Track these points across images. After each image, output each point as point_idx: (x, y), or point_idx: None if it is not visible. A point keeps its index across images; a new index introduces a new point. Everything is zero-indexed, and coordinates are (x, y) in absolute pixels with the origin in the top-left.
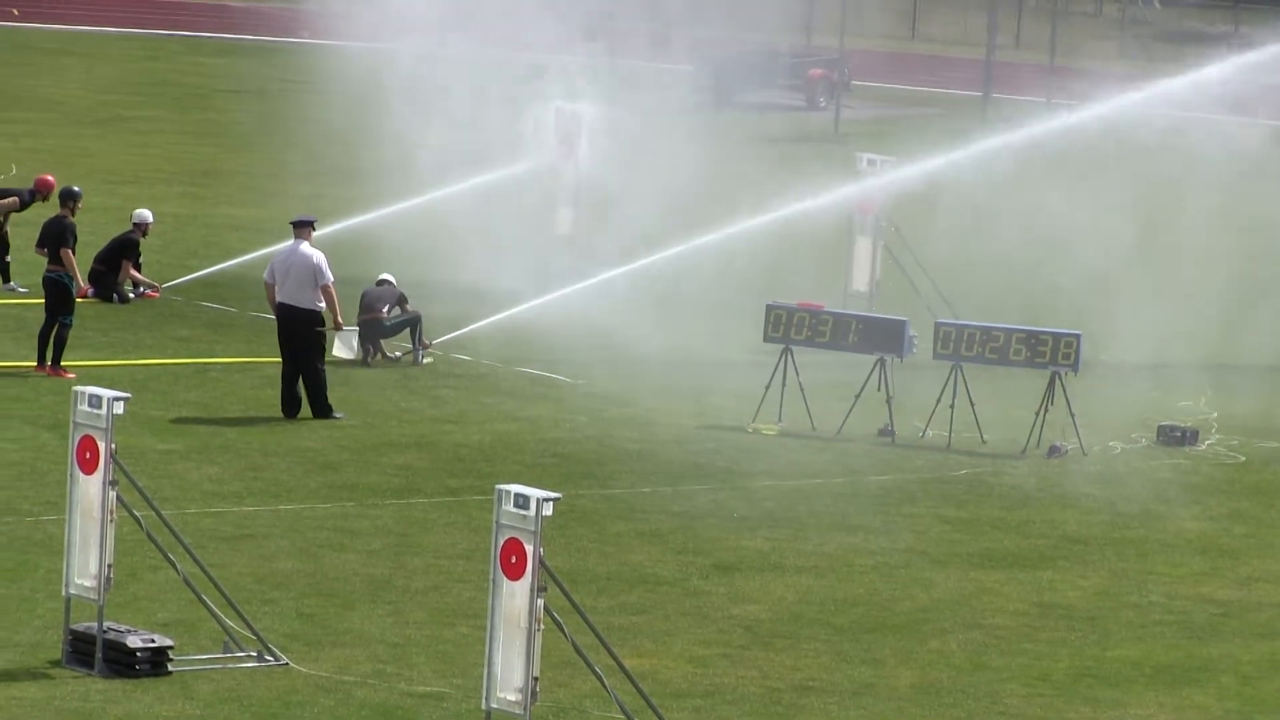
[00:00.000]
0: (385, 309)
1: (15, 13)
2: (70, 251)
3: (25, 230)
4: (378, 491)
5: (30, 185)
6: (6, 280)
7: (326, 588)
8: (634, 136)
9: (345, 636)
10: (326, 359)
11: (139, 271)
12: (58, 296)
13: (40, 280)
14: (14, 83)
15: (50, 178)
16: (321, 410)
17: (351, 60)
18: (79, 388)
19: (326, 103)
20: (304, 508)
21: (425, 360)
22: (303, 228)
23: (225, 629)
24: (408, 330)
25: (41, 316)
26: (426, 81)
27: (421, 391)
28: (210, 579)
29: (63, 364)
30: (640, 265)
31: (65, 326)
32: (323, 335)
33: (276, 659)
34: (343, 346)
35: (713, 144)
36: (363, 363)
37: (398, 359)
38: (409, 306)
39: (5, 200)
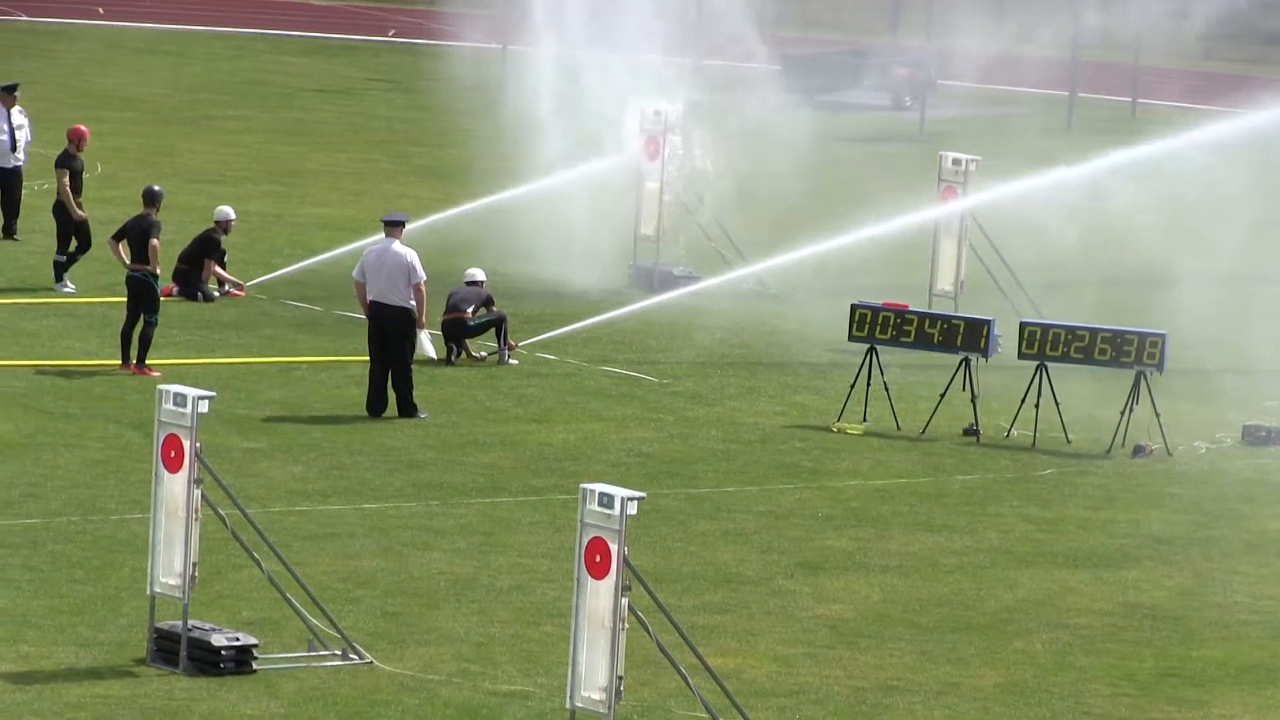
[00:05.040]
0: (470, 309)
1: (101, 11)
2: (158, 247)
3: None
4: (462, 490)
5: (139, 204)
6: (60, 278)
7: (411, 586)
8: (721, 136)
9: (430, 635)
10: (459, 360)
11: (224, 270)
12: (143, 295)
13: (124, 279)
14: (100, 81)
15: (82, 127)
16: (407, 408)
17: (439, 59)
18: (164, 386)
19: (412, 101)
20: (388, 506)
21: (511, 361)
22: (394, 226)
23: (310, 627)
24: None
25: (124, 315)
26: (517, 81)
27: (506, 391)
28: (295, 577)
29: (147, 362)
30: (765, 266)
31: (150, 325)
32: (414, 334)
33: (361, 657)
34: (423, 347)
35: (801, 144)
36: (447, 362)
37: (483, 359)
38: (494, 307)
39: (61, 180)
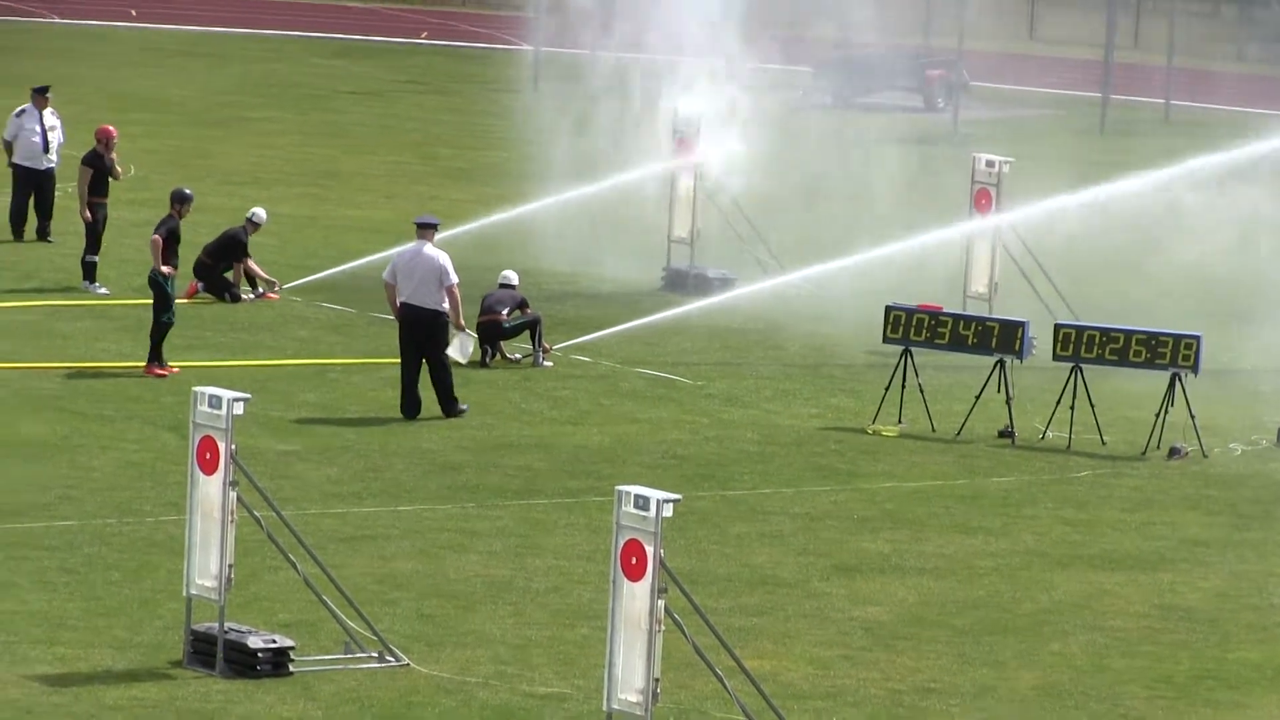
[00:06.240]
0: (505, 311)
1: (133, 13)
2: (159, 242)
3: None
4: (498, 492)
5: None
6: (91, 279)
7: (447, 589)
8: (754, 137)
9: (466, 637)
10: (494, 362)
11: (257, 267)
12: (153, 294)
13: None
14: (133, 84)
15: (110, 127)
16: (448, 403)
17: (471, 61)
18: (199, 388)
19: (444, 104)
20: (424, 509)
21: (545, 363)
22: (427, 229)
23: (346, 630)
24: (527, 332)
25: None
26: (549, 82)
27: (541, 393)
28: (331, 579)
29: (169, 363)
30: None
31: (160, 325)
32: (447, 334)
33: (398, 660)
34: (457, 350)
35: (834, 145)
36: (481, 364)
37: (517, 361)
38: (529, 309)
39: (82, 178)
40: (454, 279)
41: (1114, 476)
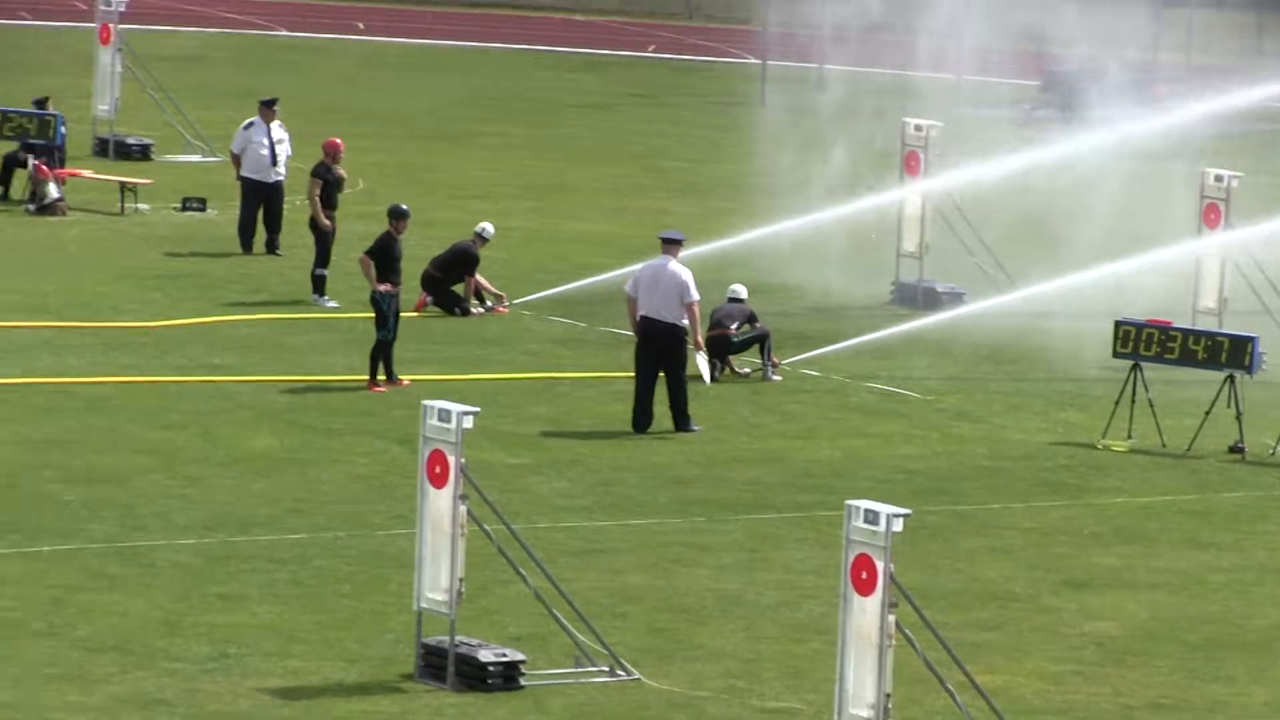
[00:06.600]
0: (734, 325)
1: (360, 26)
2: (366, 262)
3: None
4: (728, 506)
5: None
6: (320, 291)
7: (677, 603)
8: (982, 151)
9: (696, 652)
10: (722, 375)
11: (486, 281)
12: (374, 312)
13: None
14: (359, 97)
15: (337, 140)
16: (682, 420)
17: (696, 74)
18: (428, 402)
19: (670, 116)
20: (654, 523)
21: (774, 377)
22: (671, 245)
23: (577, 643)
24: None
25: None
26: (776, 96)
27: (770, 407)
28: (561, 593)
29: (380, 378)
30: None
31: (379, 343)
32: (684, 348)
33: (628, 674)
34: (704, 368)
35: (1063, 159)
36: (711, 378)
37: (746, 375)
38: (758, 324)
39: (312, 189)
40: (695, 296)
41: None
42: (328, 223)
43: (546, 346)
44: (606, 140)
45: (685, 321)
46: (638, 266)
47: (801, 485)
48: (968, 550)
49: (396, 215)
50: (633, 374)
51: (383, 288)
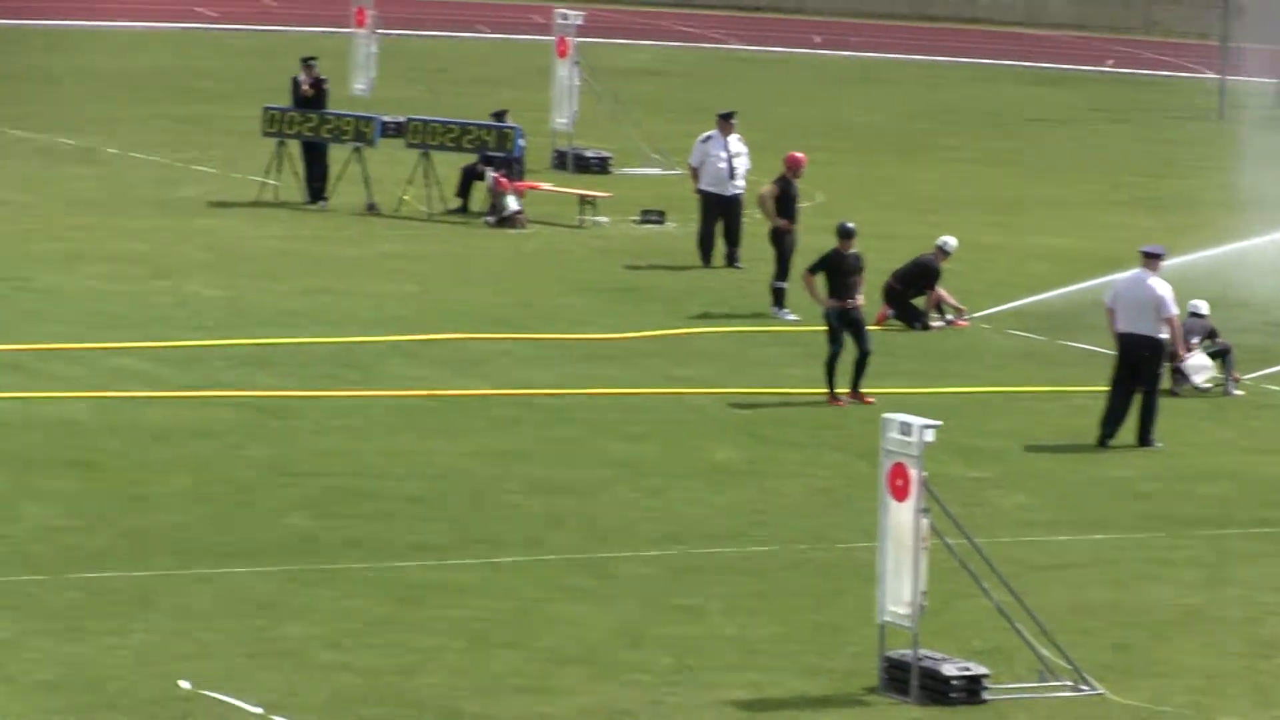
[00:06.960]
0: (1195, 340)
1: (817, 39)
2: (809, 278)
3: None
4: (1189, 522)
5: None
6: (780, 304)
7: (1139, 618)
8: None
9: (1159, 667)
10: (1183, 389)
11: (947, 295)
12: (826, 327)
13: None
14: (812, 110)
15: (799, 154)
16: (1146, 435)
17: (1155, 89)
18: (889, 415)
19: (1131, 132)
20: (1115, 537)
21: (1237, 392)
22: (1151, 259)
23: (1040, 658)
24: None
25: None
26: (1236, 111)
27: (1233, 422)
28: (1024, 608)
29: (861, 391)
30: None
31: (831, 356)
32: (1161, 363)
33: (1092, 689)
34: (1196, 374)
35: None
36: (1170, 393)
37: (1208, 390)
38: (1219, 339)
39: (767, 197)
40: (1173, 310)
41: None
42: (781, 221)
43: (1006, 360)
44: (1066, 154)
45: (1164, 335)
46: (1117, 276)
47: (1265, 501)
48: None
49: (843, 234)
50: (1095, 388)
51: (830, 303)
